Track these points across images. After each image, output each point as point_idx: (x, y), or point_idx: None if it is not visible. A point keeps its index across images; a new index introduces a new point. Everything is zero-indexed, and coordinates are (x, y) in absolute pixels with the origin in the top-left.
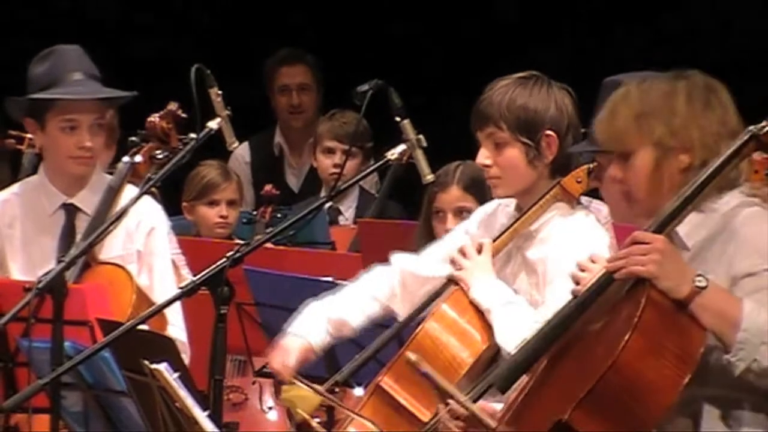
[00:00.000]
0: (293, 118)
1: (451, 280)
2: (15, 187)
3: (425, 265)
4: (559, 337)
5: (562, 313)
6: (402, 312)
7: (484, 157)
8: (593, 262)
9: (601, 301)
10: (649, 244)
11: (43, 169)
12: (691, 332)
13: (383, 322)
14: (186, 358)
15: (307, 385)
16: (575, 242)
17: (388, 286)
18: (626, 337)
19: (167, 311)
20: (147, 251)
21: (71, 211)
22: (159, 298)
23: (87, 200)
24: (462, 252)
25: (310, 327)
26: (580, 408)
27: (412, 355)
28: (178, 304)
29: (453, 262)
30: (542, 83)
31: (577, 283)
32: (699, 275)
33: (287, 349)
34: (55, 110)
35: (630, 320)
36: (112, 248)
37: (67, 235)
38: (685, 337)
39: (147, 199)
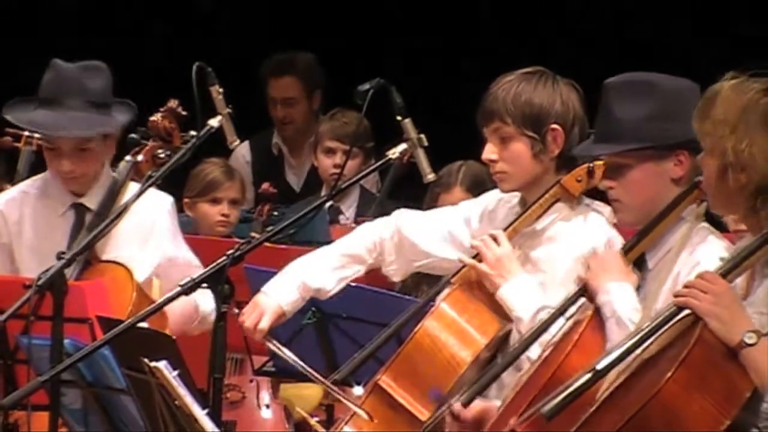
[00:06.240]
0: (281, 128)
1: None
2: (24, 185)
3: (425, 239)
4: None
5: (628, 339)
6: (393, 274)
7: (490, 152)
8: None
9: (662, 333)
10: (712, 284)
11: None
12: (738, 376)
13: (383, 321)
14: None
15: (279, 349)
16: (585, 243)
17: (378, 247)
18: (672, 370)
19: (199, 298)
20: (171, 256)
21: (81, 210)
22: (200, 301)
23: (96, 200)
24: (484, 243)
25: (286, 291)
26: None
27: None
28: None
29: (476, 249)
30: (547, 78)
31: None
32: (751, 331)
33: (261, 311)
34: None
35: (679, 354)
36: (121, 247)
37: (77, 234)
38: (732, 379)
39: (164, 201)
